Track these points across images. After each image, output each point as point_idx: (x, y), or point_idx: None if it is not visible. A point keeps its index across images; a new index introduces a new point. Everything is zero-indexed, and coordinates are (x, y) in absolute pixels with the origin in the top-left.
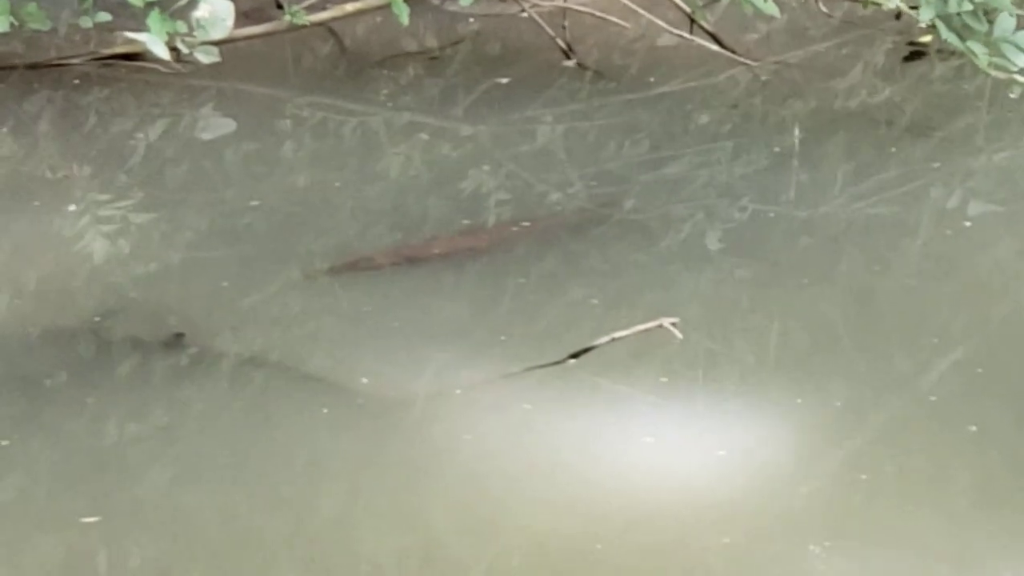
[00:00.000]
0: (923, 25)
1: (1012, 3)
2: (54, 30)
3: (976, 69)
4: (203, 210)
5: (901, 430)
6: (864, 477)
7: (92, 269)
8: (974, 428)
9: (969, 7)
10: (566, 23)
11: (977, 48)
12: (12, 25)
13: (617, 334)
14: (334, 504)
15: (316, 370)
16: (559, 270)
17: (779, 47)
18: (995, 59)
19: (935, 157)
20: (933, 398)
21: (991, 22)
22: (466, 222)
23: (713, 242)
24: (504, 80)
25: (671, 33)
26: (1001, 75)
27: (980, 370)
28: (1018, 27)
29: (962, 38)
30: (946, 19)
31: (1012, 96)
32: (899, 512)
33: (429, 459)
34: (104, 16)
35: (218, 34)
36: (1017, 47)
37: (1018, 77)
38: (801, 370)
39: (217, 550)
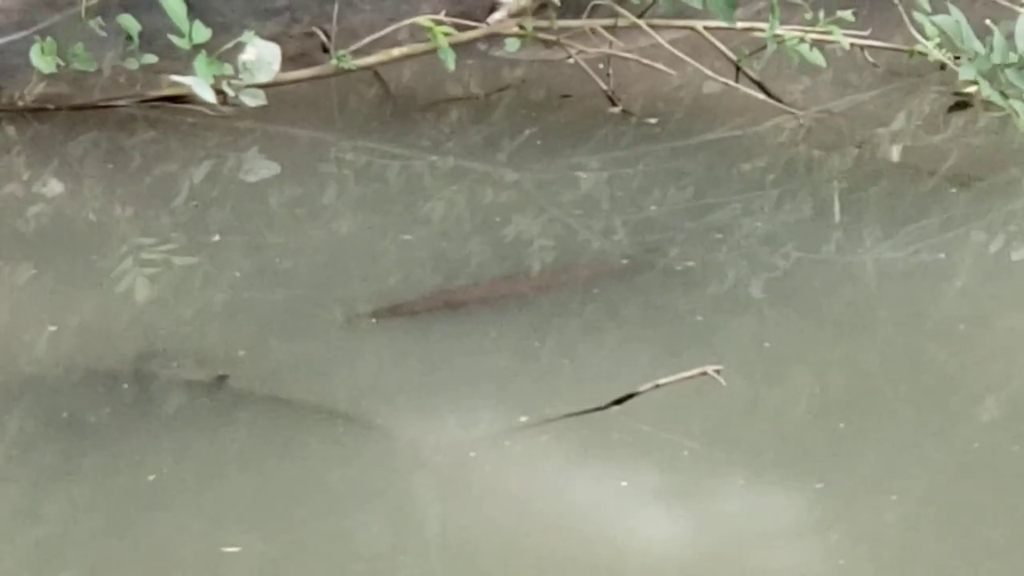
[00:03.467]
0: (964, 88)
1: None
2: (100, 71)
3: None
4: (247, 253)
5: (943, 483)
6: (905, 530)
7: (135, 310)
8: (1017, 480)
9: (1014, 58)
10: (610, 70)
11: (1019, 107)
12: (58, 66)
13: (661, 381)
14: (373, 548)
15: (357, 414)
16: (602, 317)
17: (824, 96)
18: None
19: (978, 207)
20: (975, 446)
21: None
22: (509, 268)
23: (756, 290)
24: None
25: (716, 81)
26: None
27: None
28: None
29: (1005, 95)
30: (990, 74)
31: None
32: (940, 558)
33: (469, 504)
34: (150, 58)
35: (264, 77)
36: None
37: None
38: (843, 420)
39: None
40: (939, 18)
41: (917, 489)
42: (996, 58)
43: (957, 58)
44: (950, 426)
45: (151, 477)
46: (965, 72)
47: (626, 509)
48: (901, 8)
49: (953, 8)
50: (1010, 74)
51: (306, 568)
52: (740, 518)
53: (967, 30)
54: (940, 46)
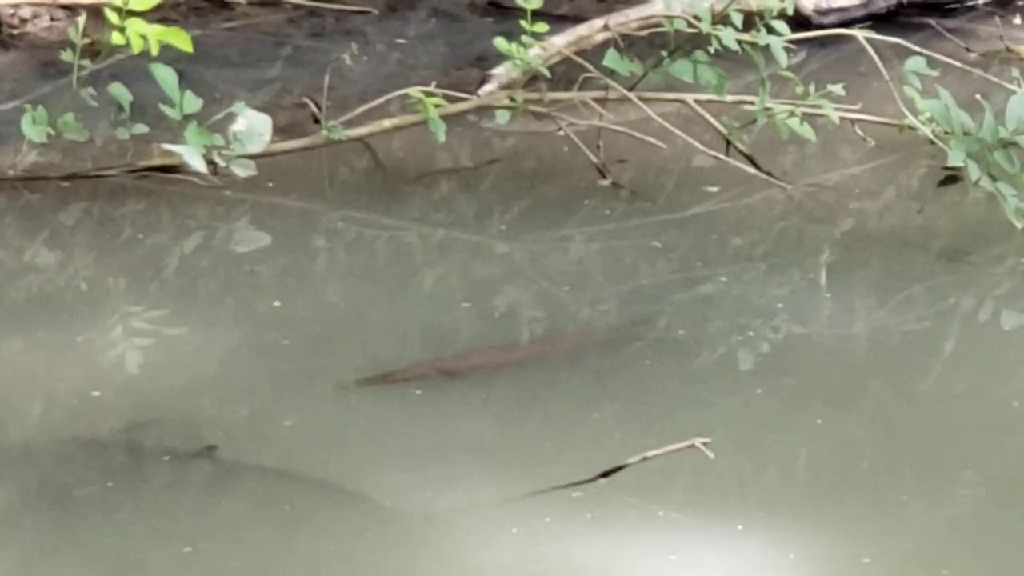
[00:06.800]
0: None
1: None
2: (91, 141)
3: None
4: (236, 323)
5: (928, 552)
6: None
7: (124, 381)
8: (997, 554)
9: (1004, 134)
10: (600, 142)
11: (1007, 190)
12: (49, 135)
13: (649, 453)
14: None
15: (346, 484)
16: (591, 388)
17: (814, 170)
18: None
19: (968, 282)
20: (957, 527)
21: None
22: (499, 338)
23: (746, 363)
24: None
25: (707, 154)
26: None
27: (1007, 498)
28: None
29: (993, 177)
30: (978, 154)
31: None
32: None
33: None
34: (141, 128)
35: (255, 148)
36: None
37: None
38: (829, 497)
39: None
40: (929, 102)
41: (900, 557)
42: (986, 137)
43: (947, 133)
44: (937, 496)
45: (140, 550)
46: (954, 158)
47: None
48: (891, 84)
49: (943, 91)
50: (998, 156)
51: None
52: None
53: (956, 113)
54: (930, 120)
